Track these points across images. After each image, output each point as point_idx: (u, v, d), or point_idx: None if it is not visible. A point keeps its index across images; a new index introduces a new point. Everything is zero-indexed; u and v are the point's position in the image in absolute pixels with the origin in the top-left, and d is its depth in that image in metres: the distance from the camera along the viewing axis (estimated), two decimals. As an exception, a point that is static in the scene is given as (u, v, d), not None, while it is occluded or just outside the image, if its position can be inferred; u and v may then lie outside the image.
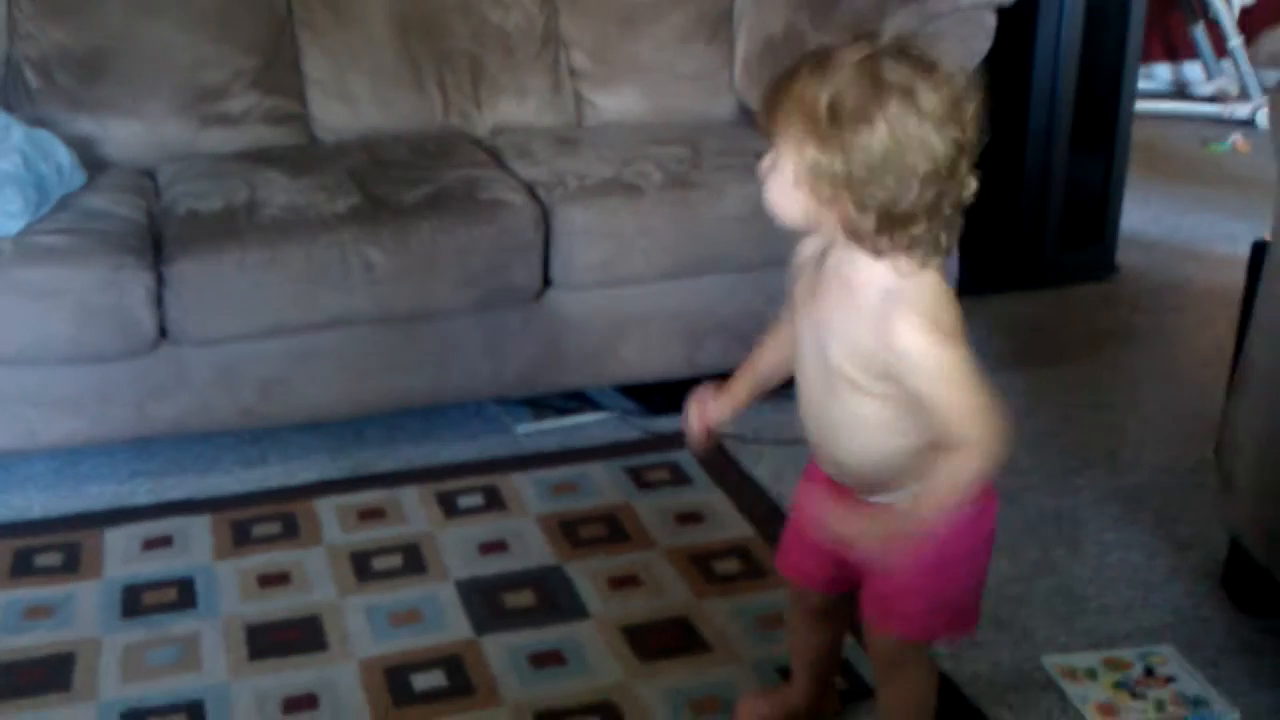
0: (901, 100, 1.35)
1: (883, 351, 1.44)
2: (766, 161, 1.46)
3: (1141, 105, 4.43)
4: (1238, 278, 2.39)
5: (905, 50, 1.40)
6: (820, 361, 1.52)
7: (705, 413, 1.71)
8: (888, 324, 1.43)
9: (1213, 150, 4.88)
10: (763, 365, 1.70)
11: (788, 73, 1.42)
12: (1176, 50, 5.71)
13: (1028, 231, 3.55)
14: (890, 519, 1.50)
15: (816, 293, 1.53)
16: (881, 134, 1.35)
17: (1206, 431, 2.71)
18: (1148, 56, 5.54)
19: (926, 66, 1.38)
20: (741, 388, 1.71)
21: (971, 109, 1.39)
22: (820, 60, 1.40)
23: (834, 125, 1.36)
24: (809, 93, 1.38)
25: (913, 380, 1.43)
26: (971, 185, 1.42)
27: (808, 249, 1.57)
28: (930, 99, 1.36)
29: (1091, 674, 2.01)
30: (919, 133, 1.36)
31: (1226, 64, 5.38)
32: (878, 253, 1.43)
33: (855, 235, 1.42)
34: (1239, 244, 3.87)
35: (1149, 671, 2.02)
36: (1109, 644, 2.09)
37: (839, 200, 1.40)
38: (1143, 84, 5.01)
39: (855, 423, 1.53)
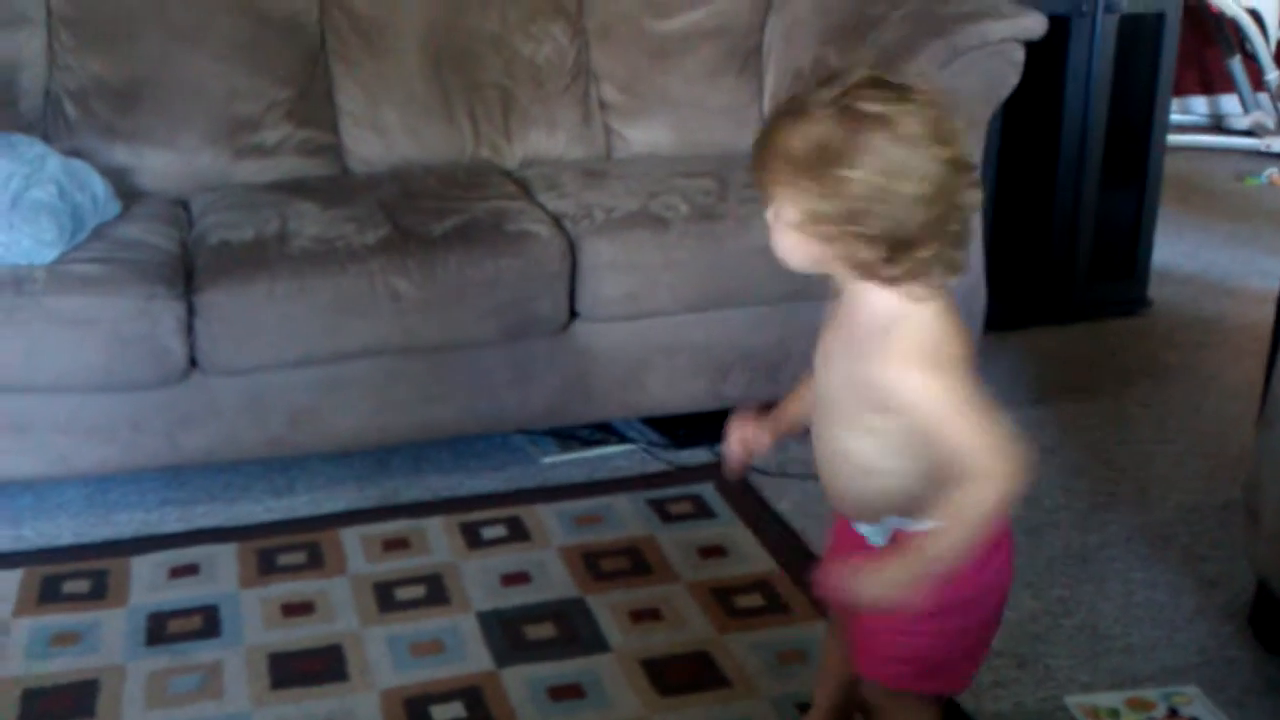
0: (881, 131, 1.37)
1: (871, 384, 1.45)
2: (770, 214, 1.48)
3: (1176, 138, 4.42)
4: (1271, 313, 2.37)
5: (878, 81, 1.42)
6: (828, 401, 1.55)
7: (748, 438, 1.71)
8: (885, 358, 1.44)
9: (1248, 184, 4.85)
10: (806, 399, 1.67)
11: (768, 126, 1.45)
12: (1213, 83, 5.69)
13: (1058, 265, 3.54)
14: (905, 562, 1.46)
15: (828, 337, 1.56)
16: (869, 167, 1.37)
17: (1236, 469, 2.70)
18: (1184, 89, 5.53)
19: (901, 93, 1.40)
20: (785, 416, 1.72)
21: (954, 125, 1.42)
22: (795, 108, 1.43)
23: (821, 167, 1.38)
24: (791, 141, 1.41)
25: (913, 415, 1.44)
26: (973, 198, 1.43)
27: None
28: (910, 123, 1.38)
29: (1114, 714, 2.00)
30: (905, 159, 1.37)
31: (1263, 97, 5.36)
32: (891, 282, 1.43)
33: (865, 269, 1.43)
34: (1273, 279, 3.85)
35: (1173, 712, 2.00)
36: (1133, 684, 2.07)
37: (843, 239, 1.41)
38: (1178, 117, 5.00)
39: (842, 458, 1.55)
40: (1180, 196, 4.52)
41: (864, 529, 1.60)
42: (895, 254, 1.40)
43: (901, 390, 1.43)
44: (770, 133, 1.44)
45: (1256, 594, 2.18)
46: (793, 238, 1.45)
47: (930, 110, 1.40)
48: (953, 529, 1.45)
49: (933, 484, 1.47)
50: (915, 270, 1.42)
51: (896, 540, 1.55)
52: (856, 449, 1.52)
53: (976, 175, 1.45)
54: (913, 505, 1.51)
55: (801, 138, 1.40)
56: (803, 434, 1.71)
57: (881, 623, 1.57)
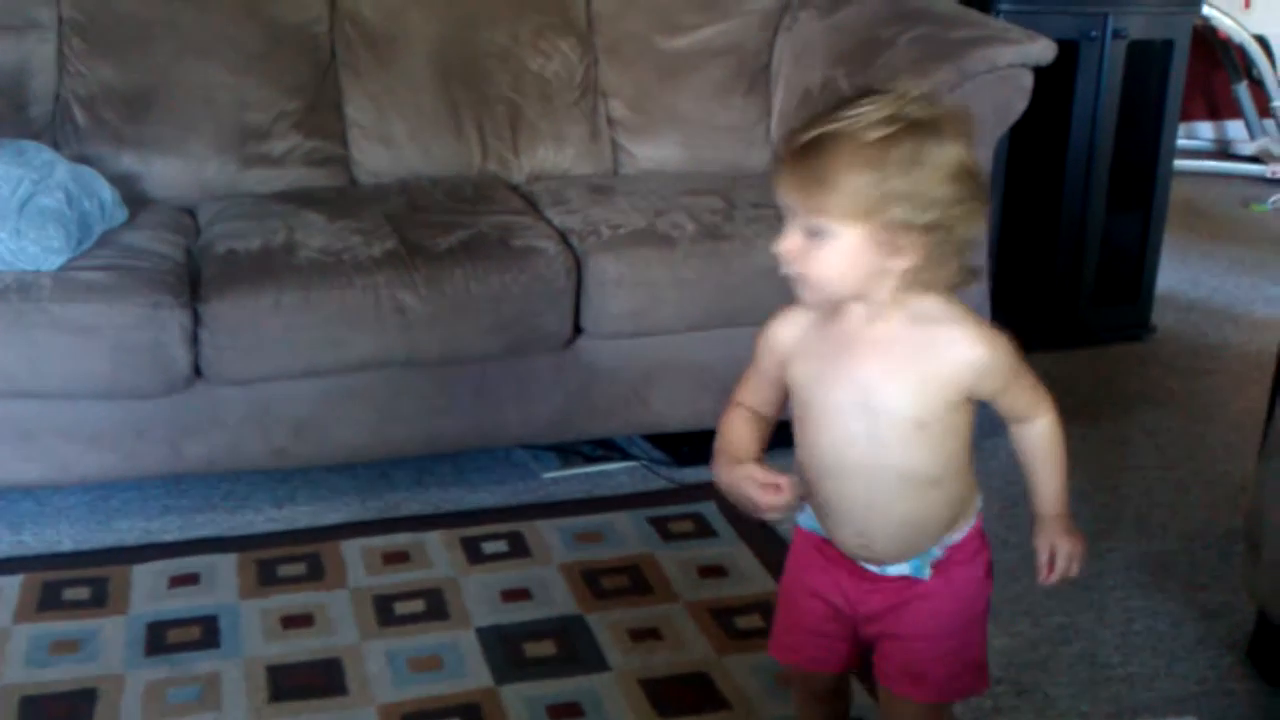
0: (940, 137, 1.42)
1: (953, 373, 1.48)
2: (795, 242, 1.45)
3: (1182, 163, 4.43)
4: (1275, 341, 2.37)
5: (914, 95, 1.46)
6: (870, 424, 1.50)
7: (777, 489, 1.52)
8: (952, 345, 1.47)
9: (1254, 210, 4.86)
10: (761, 438, 1.64)
11: (816, 146, 1.41)
12: (1219, 108, 5.70)
13: (1062, 290, 3.54)
14: (1059, 518, 1.59)
15: (844, 360, 1.51)
16: (946, 170, 1.41)
17: (1238, 498, 2.70)
18: (1190, 115, 5.54)
19: (933, 100, 1.47)
20: (758, 454, 1.62)
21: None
22: (850, 127, 1.41)
23: (910, 177, 1.40)
24: (864, 157, 1.39)
25: (992, 383, 1.50)
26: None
27: (787, 331, 1.57)
28: (953, 129, 1.44)
29: (1113, 744, 2.00)
30: (964, 160, 1.43)
31: (1269, 124, 5.37)
32: (950, 287, 1.48)
33: (929, 277, 1.46)
34: (1278, 307, 3.86)
35: (1171, 743, 2.00)
36: (1131, 714, 2.07)
37: (920, 246, 1.43)
38: (1184, 142, 5.00)
39: (891, 488, 1.53)
40: (1185, 222, 4.52)
41: (897, 569, 1.57)
42: (961, 255, 1.46)
43: (992, 360, 1.49)
44: (825, 152, 1.41)
45: (1257, 625, 2.18)
46: (848, 257, 1.43)
47: (960, 116, 1.47)
48: (1058, 462, 1.59)
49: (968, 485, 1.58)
50: (967, 271, 1.48)
51: (947, 561, 1.56)
52: (916, 465, 1.51)
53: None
54: (958, 512, 1.57)
55: (877, 152, 1.39)
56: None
57: (942, 643, 1.59)
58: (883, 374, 1.49)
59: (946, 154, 1.42)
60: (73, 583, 2.38)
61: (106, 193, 2.71)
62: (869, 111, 1.41)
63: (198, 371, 2.51)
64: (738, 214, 2.81)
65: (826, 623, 1.64)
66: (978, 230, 1.46)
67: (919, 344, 1.48)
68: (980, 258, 1.51)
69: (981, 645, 1.65)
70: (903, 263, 1.44)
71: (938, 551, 1.57)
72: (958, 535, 1.58)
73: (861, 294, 1.47)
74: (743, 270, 2.70)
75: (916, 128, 1.41)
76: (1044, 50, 2.76)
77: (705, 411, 2.81)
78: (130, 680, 2.11)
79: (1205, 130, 5.74)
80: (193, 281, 2.56)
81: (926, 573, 1.57)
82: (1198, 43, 4.14)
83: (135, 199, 2.86)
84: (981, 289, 2.88)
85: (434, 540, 2.53)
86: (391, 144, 3.12)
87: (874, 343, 1.49)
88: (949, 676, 1.62)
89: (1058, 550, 1.60)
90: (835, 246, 1.43)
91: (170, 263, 2.60)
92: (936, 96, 1.47)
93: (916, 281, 1.46)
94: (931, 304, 1.48)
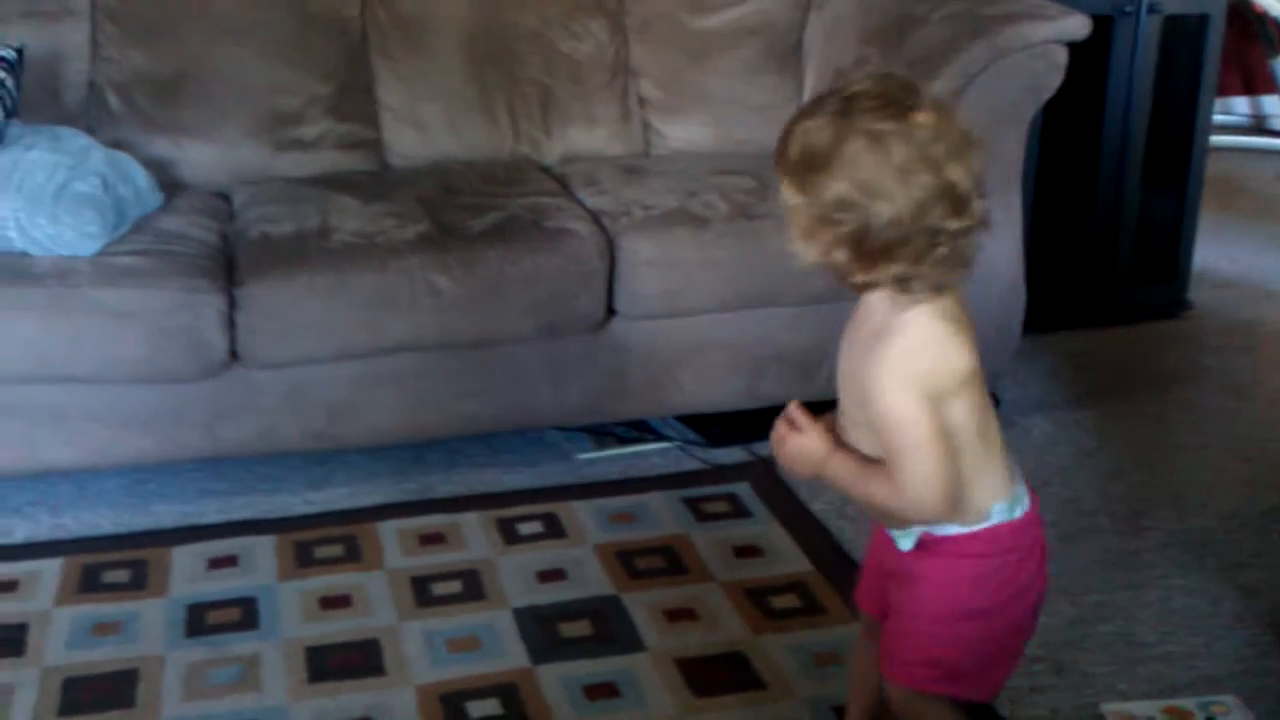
0: (866, 145, 1.40)
1: (866, 387, 1.49)
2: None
3: (1218, 139, 4.38)
4: (1311, 319, 2.35)
5: (885, 94, 1.43)
6: (839, 393, 1.59)
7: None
8: (874, 362, 1.48)
9: (1291, 186, 4.81)
10: None
11: (788, 121, 1.49)
12: (1255, 83, 5.63)
13: (1098, 267, 3.52)
14: (830, 461, 1.55)
15: (847, 326, 1.59)
16: (847, 179, 1.41)
17: (1276, 476, 2.68)
18: (1226, 90, 5.47)
19: (902, 111, 1.42)
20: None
21: (953, 148, 1.42)
22: (809, 107, 1.48)
23: (804, 168, 1.44)
24: (794, 138, 1.45)
25: (877, 420, 1.49)
26: (952, 225, 1.43)
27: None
28: (899, 148, 1.40)
29: (1151, 722, 1.99)
30: (884, 180, 1.40)
31: (1307, 98, 5.31)
32: (865, 287, 1.48)
33: (837, 271, 1.48)
34: (1315, 284, 3.83)
35: (1210, 721, 2.00)
36: (1170, 692, 2.06)
37: (819, 237, 1.46)
38: (1220, 117, 4.95)
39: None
40: (1221, 198, 4.48)
41: (893, 533, 1.61)
42: (862, 261, 1.44)
43: (879, 400, 1.47)
44: (786, 127, 1.48)
45: (1296, 603, 2.17)
46: (790, 229, 1.50)
47: (925, 134, 1.41)
48: (867, 484, 1.52)
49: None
50: (889, 281, 1.45)
51: (924, 544, 1.57)
52: (867, 449, 1.55)
53: (968, 201, 1.43)
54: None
55: (800, 137, 1.44)
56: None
57: (906, 625, 1.61)
58: (845, 358, 1.56)
59: (855, 164, 1.44)
60: (112, 565, 2.40)
61: (141, 178, 2.72)
62: (821, 103, 1.46)
63: (234, 355, 2.53)
64: (770, 194, 2.80)
65: (877, 567, 1.71)
66: (884, 241, 1.43)
67: (866, 343, 1.51)
68: (952, 269, 1.48)
69: (947, 649, 1.59)
70: (817, 250, 1.47)
71: (917, 530, 1.58)
72: (945, 530, 1.56)
73: (819, 270, 1.51)
74: (775, 250, 2.64)
75: (844, 132, 1.44)
76: (1079, 26, 2.74)
77: (738, 392, 2.81)
78: (171, 661, 2.13)
79: (1241, 105, 5.67)
80: (228, 266, 2.57)
81: (905, 544, 1.58)
82: (1233, 16, 4.10)
83: (169, 184, 2.87)
84: (1016, 269, 2.86)
85: (470, 521, 2.54)
86: (423, 127, 3.13)
87: (855, 325, 1.56)
88: (905, 662, 1.62)
89: (793, 437, 1.56)
90: (787, 219, 1.52)
91: (206, 247, 2.61)
92: (910, 98, 1.45)
93: (839, 272, 1.48)
94: (894, 313, 1.48)
